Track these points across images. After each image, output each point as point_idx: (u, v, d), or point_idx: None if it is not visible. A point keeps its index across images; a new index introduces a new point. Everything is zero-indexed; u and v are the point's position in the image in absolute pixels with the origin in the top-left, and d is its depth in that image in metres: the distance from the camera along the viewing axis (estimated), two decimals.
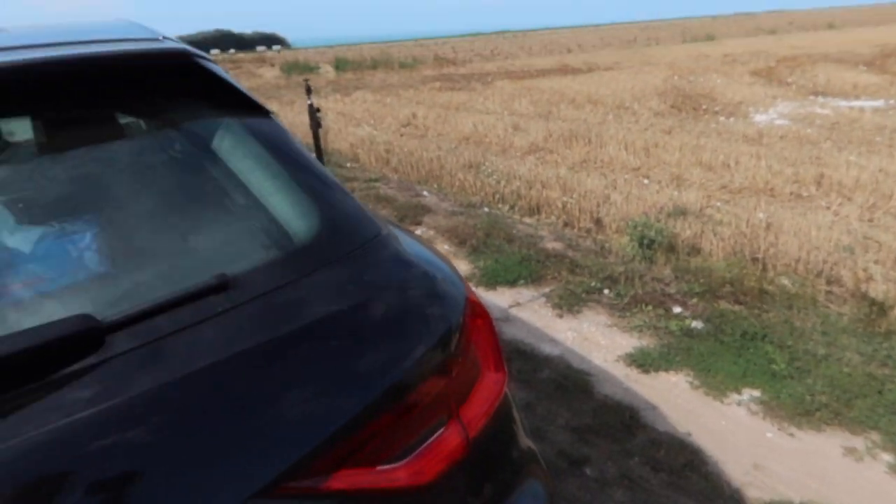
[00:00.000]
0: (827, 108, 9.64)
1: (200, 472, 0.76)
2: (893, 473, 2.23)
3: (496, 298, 3.72)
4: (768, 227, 4.46)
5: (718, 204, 5.20)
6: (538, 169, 6.60)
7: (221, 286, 0.89)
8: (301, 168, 1.13)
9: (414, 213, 5.46)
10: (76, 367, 0.77)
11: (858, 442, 2.39)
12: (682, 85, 12.70)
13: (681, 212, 4.88)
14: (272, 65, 32.83)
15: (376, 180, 7.03)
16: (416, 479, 0.92)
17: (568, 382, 2.78)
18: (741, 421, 2.54)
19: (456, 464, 0.99)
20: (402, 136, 9.34)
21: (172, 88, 1.13)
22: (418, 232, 4.97)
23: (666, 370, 2.91)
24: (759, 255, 4.03)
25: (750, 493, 2.14)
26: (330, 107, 12.72)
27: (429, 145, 8.25)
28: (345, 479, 0.86)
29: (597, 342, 3.18)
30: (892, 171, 5.73)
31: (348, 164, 8.06)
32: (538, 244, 4.51)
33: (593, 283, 3.78)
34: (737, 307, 3.40)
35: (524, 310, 3.55)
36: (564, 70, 18.80)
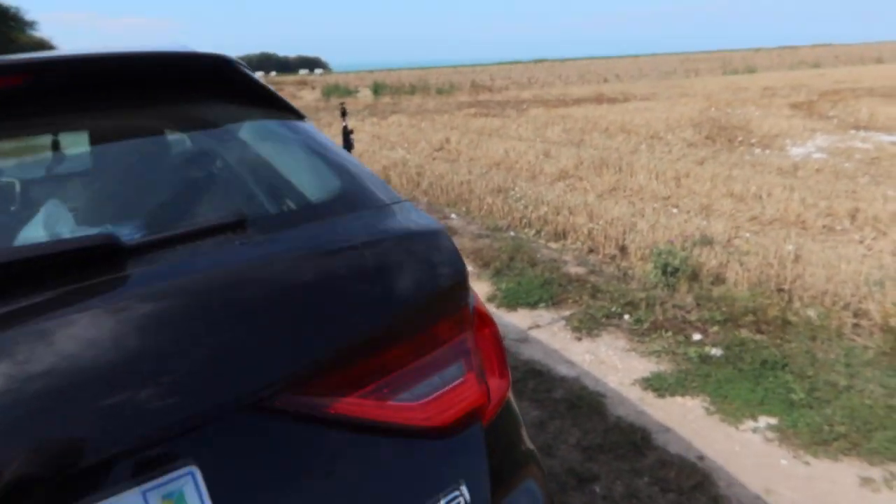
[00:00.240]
0: (868, 142, 9.48)
1: (201, 375, 0.79)
2: None
3: (516, 320, 3.76)
4: (797, 258, 4.42)
5: (747, 235, 5.17)
6: (566, 195, 6.64)
7: (239, 223, 0.97)
8: (323, 148, 1.26)
9: None
10: (99, 278, 0.83)
11: (876, 472, 2.36)
12: (718, 116, 12.64)
13: (707, 241, 4.86)
14: (313, 88, 33.66)
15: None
16: (428, 421, 0.93)
17: (581, 403, 2.79)
18: (755, 447, 2.53)
19: (471, 415, 1.00)
20: (434, 159, 9.49)
21: (210, 88, 1.26)
22: None
23: (682, 395, 2.90)
24: (785, 287, 3.99)
25: None
26: (366, 130, 12.99)
27: (459, 169, 8.37)
28: (352, 406, 0.88)
29: (613, 365, 3.19)
30: None
31: None
32: (561, 269, 4.54)
33: (614, 308, 3.79)
34: (758, 336, 3.38)
35: (543, 332, 3.58)
36: (600, 99, 18.87)
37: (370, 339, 0.92)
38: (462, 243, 5.26)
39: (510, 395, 1.23)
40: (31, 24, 36.57)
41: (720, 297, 3.86)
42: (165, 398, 0.75)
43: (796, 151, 8.98)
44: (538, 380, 2.99)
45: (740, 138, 10.19)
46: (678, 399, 2.88)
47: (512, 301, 4.01)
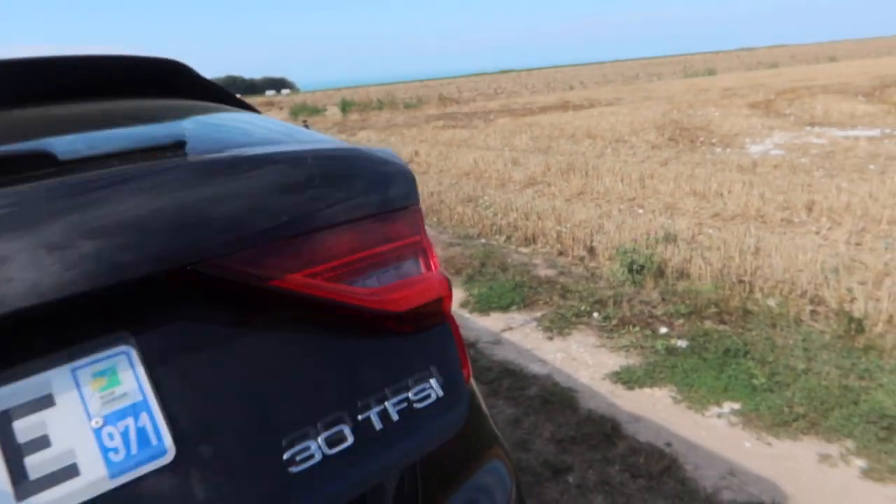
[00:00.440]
0: (823, 137, 9.81)
1: (133, 241, 0.73)
2: (865, 477, 2.31)
3: (489, 323, 3.84)
4: (756, 251, 4.59)
5: (710, 231, 5.34)
6: (535, 201, 6.77)
7: (179, 144, 0.98)
8: (276, 122, 1.32)
9: None
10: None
11: (833, 449, 2.48)
12: (680, 118, 12.95)
13: (671, 238, 5.01)
14: (280, 108, 33.61)
15: None
16: (387, 304, 0.91)
17: (554, 399, 2.88)
18: (720, 432, 2.64)
19: (435, 307, 0.98)
20: None
21: (166, 91, 1.34)
22: None
23: (650, 386, 3.01)
24: (746, 278, 4.15)
25: (723, 495, 2.23)
26: None
27: (429, 181, 8.47)
28: (300, 283, 0.84)
29: (584, 362, 3.29)
30: (882, 196, 5.87)
31: None
32: (531, 272, 4.65)
33: (583, 307, 3.90)
34: (721, 326, 3.51)
35: (515, 333, 3.67)
36: (565, 106, 19.17)
37: (314, 223, 0.89)
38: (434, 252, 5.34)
39: (472, 384, 1.30)
40: None
41: (684, 291, 3.99)
42: (96, 262, 0.69)
43: (755, 149, 9.25)
44: (512, 379, 3.08)
45: (702, 138, 10.47)
46: (647, 390, 2.99)
47: (484, 306, 4.10)
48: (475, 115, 18.95)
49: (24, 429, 0.65)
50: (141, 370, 0.73)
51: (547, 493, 2.25)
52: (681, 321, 3.61)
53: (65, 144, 1.02)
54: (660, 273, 4.31)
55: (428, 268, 1.03)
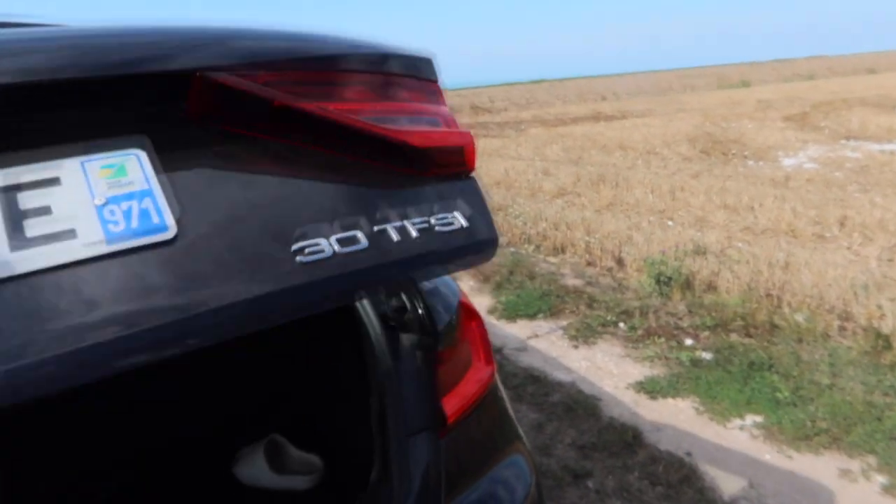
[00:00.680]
0: (858, 151, 9.68)
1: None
2: (885, 493, 2.33)
3: (516, 330, 3.92)
4: (786, 265, 4.58)
5: (739, 244, 5.34)
6: (565, 211, 6.83)
7: None
8: None
9: None
10: None
11: (854, 465, 2.50)
12: (713, 130, 12.87)
13: (700, 251, 5.03)
14: None
15: None
16: (408, 137, 0.91)
17: (577, 406, 2.95)
18: (741, 443, 2.67)
19: (455, 157, 0.99)
20: None
21: None
22: None
23: (673, 397, 3.06)
24: (774, 292, 4.15)
25: None
26: None
27: None
28: (324, 108, 0.84)
29: (609, 371, 3.34)
30: None
31: None
32: (559, 281, 4.71)
33: (609, 317, 3.96)
34: (746, 340, 3.53)
35: (541, 341, 3.74)
36: (597, 117, 19.15)
37: (340, 63, 0.91)
38: None
39: (497, 381, 1.40)
40: None
41: (711, 303, 4.02)
42: (111, 55, 0.70)
43: (788, 162, 9.17)
44: (536, 385, 3.15)
45: (734, 151, 10.40)
46: (670, 400, 3.03)
47: (512, 313, 4.17)
48: (507, 124, 19.05)
49: (27, 199, 0.67)
50: (150, 169, 0.73)
51: (567, 497, 2.32)
52: (706, 333, 3.64)
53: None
54: (687, 285, 4.33)
55: (447, 123, 1.02)
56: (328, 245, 0.79)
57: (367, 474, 1.31)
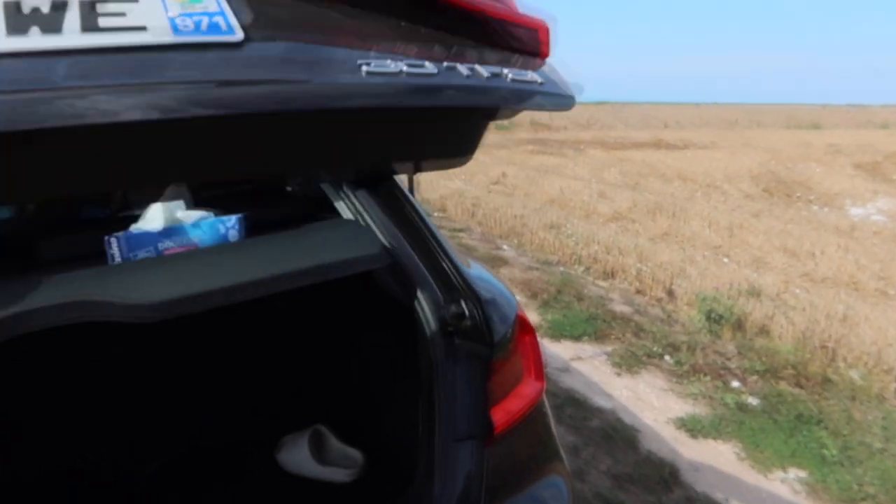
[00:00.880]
0: None
1: None
2: None
3: (559, 350, 3.90)
4: (845, 318, 4.44)
5: (797, 291, 5.19)
6: (618, 236, 6.76)
7: None
8: None
9: (492, 264, 5.73)
10: None
11: None
12: (778, 170, 12.53)
13: (755, 293, 4.91)
14: None
15: (461, 230, 7.39)
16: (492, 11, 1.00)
17: (616, 434, 2.92)
18: (782, 497, 2.60)
19: (533, 42, 1.06)
20: (490, 192, 9.73)
21: None
22: None
23: (715, 438, 2.99)
24: (830, 345, 4.02)
25: None
26: None
27: (514, 203, 8.57)
28: None
29: (650, 403, 3.29)
30: None
31: (436, 214, 8.48)
32: (607, 305, 4.67)
33: (655, 349, 3.90)
34: (797, 390, 3.43)
35: (584, 364, 3.71)
36: (659, 144, 18.88)
37: None
38: (512, 273, 5.44)
39: (544, 398, 1.40)
40: None
41: (762, 348, 3.92)
42: None
43: (856, 212, 8.87)
44: (576, 408, 3.13)
45: (799, 194, 10.11)
46: (711, 442, 2.97)
47: (556, 332, 4.15)
48: (566, 143, 18.93)
49: (104, 6, 0.76)
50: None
51: None
52: (755, 378, 3.55)
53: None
54: (739, 326, 4.24)
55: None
56: (395, 65, 0.86)
57: (406, 475, 1.33)
